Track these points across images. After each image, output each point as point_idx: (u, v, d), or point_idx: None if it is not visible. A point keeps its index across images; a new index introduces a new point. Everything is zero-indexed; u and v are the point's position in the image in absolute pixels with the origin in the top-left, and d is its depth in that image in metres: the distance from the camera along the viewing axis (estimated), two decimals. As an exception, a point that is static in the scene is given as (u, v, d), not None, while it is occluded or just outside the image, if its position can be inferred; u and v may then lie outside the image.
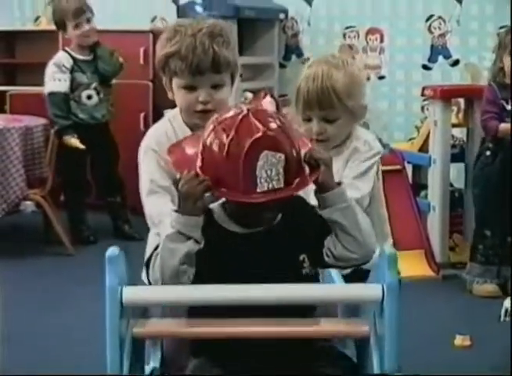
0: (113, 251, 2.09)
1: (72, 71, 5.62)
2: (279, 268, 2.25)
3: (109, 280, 2.03)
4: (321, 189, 2.18)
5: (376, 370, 2.10)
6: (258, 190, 2.07)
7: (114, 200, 5.98)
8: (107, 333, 2.03)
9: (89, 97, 5.64)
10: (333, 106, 2.78)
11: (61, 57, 5.60)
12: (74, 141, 5.43)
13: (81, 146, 5.49)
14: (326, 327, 2.26)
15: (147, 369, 2.36)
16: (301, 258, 2.26)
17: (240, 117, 2.10)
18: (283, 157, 2.07)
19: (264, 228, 2.25)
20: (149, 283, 2.31)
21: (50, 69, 5.58)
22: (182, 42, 2.59)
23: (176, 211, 2.18)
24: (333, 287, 2.38)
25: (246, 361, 2.18)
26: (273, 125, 2.12)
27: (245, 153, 2.06)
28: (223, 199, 2.22)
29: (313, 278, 2.34)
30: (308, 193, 2.31)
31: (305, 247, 2.26)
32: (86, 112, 5.66)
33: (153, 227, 2.68)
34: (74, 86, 5.63)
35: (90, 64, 5.66)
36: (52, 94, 5.55)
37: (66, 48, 5.65)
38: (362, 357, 2.28)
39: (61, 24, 5.62)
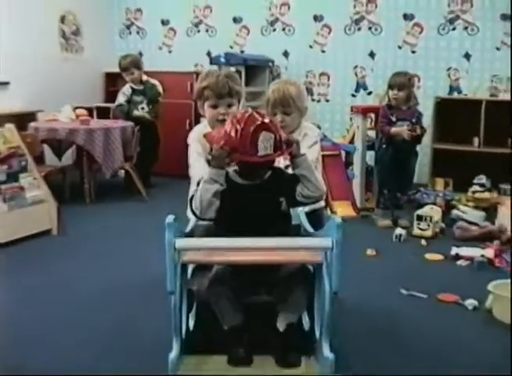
0: (169, 218, 2.39)
1: (131, 95, 7.06)
2: (267, 205, 2.67)
3: (167, 236, 2.36)
4: (293, 157, 2.65)
5: (327, 286, 2.45)
6: (259, 154, 2.52)
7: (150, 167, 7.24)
8: (167, 265, 2.40)
9: (142, 108, 7.08)
10: (289, 104, 3.30)
11: (124, 88, 7.10)
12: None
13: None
14: (295, 256, 2.62)
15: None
16: (280, 200, 2.69)
17: (247, 114, 2.57)
18: (273, 136, 2.53)
19: (258, 181, 2.67)
20: (193, 213, 2.67)
21: (119, 93, 7.16)
22: (210, 80, 3.19)
23: (210, 166, 2.63)
24: (304, 239, 2.73)
25: (244, 269, 2.64)
26: (266, 119, 2.59)
27: (251, 133, 2.50)
28: (235, 167, 2.67)
29: (287, 214, 2.76)
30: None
31: (283, 192, 2.69)
32: (141, 115, 7.06)
33: (192, 180, 3.06)
34: (133, 102, 7.08)
35: (142, 91, 7.08)
36: (118, 105, 7.11)
37: (130, 83, 7.10)
38: (317, 279, 2.65)
39: (122, 73, 7.09)
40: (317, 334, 2.66)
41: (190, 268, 2.76)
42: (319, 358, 2.61)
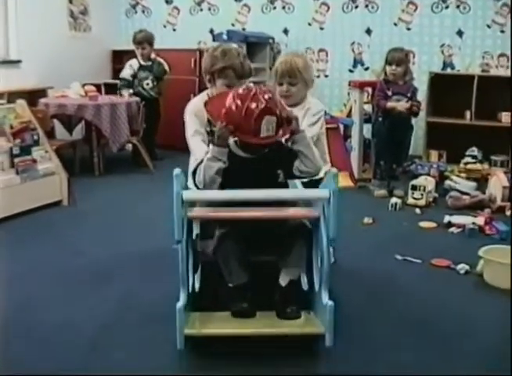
0: (176, 170, 2.44)
1: (138, 70, 6.95)
2: (266, 176, 2.69)
3: (175, 187, 2.40)
4: (292, 133, 2.67)
5: (324, 237, 2.52)
6: (261, 136, 2.55)
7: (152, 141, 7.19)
8: (175, 215, 2.43)
9: (147, 84, 6.99)
10: (296, 75, 3.31)
11: (132, 61, 7.00)
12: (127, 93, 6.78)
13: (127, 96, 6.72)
14: (294, 212, 2.74)
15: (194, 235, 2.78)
16: (278, 172, 2.72)
17: (251, 93, 2.56)
18: (275, 118, 2.55)
19: (258, 155, 2.69)
20: (195, 186, 2.69)
21: (126, 65, 7.04)
22: (233, 61, 3.16)
23: (213, 144, 2.64)
24: (303, 190, 2.84)
25: (248, 230, 2.65)
26: (268, 98, 2.56)
27: (256, 116, 2.52)
28: (235, 138, 2.67)
29: (284, 184, 2.78)
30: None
31: (281, 165, 2.72)
32: (145, 91, 7.00)
33: (192, 153, 3.15)
34: (139, 78, 6.97)
35: (149, 67, 7.01)
36: (121, 78, 6.99)
37: (138, 58, 7.00)
38: (315, 234, 2.69)
39: (134, 46, 7.00)
40: (316, 287, 2.68)
41: (195, 226, 2.80)
42: (318, 308, 2.64)
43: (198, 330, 2.57)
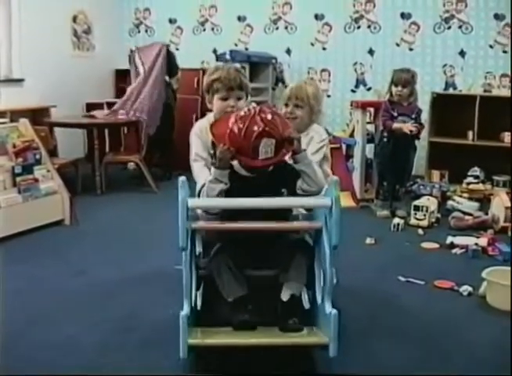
0: (182, 179, 2.49)
1: None
2: (270, 195, 2.65)
3: (180, 195, 2.43)
4: (294, 153, 2.69)
5: (327, 247, 2.51)
6: (259, 158, 2.58)
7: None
8: (179, 225, 2.44)
9: None
10: (303, 99, 3.31)
11: None
12: None
13: None
14: (296, 224, 2.80)
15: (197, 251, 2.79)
16: (282, 190, 2.74)
17: (250, 114, 2.59)
18: (273, 141, 2.57)
19: (262, 174, 2.70)
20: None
21: None
22: (221, 73, 3.13)
23: (215, 167, 2.67)
24: (305, 199, 2.74)
25: (248, 245, 2.67)
26: (268, 120, 2.57)
27: (253, 139, 2.55)
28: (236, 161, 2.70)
29: None
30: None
31: (285, 184, 2.74)
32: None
33: (194, 177, 3.13)
34: None
35: None
36: None
37: None
38: (317, 244, 2.70)
39: None
40: (318, 300, 2.66)
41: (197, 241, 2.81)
42: (321, 318, 2.62)
43: (201, 340, 2.56)
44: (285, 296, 2.67)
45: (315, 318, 2.74)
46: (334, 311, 2.47)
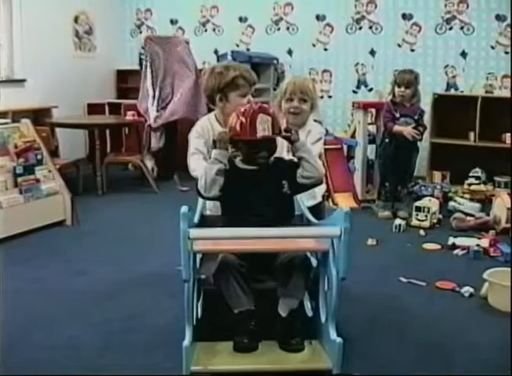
0: (184, 209, 2.40)
1: None
2: (270, 187, 2.74)
3: (182, 226, 2.37)
4: (293, 142, 2.75)
5: (334, 276, 2.47)
6: (258, 135, 2.67)
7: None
8: (181, 250, 2.40)
9: None
10: (307, 93, 3.38)
11: None
12: None
13: None
14: (303, 244, 2.65)
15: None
16: (283, 182, 2.76)
17: (251, 113, 2.69)
18: (269, 118, 2.66)
19: (262, 166, 2.76)
20: (198, 193, 2.72)
21: None
22: (239, 70, 3.18)
23: (215, 148, 2.77)
24: (313, 228, 2.77)
25: (250, 256, 2.65)
26: (265, 106, 2.73)
27: (250, 116, 2.66)
28: (240, 156, 2.78)
29: (289, 195, 2.81)
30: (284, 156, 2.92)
31: (285, 176, 2.76)
32: None
33: (191, 171, 3.15)
34: None
35: None
36: None
37: None
38: (323, 266, 2.69)
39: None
40: (322, 319, 2.64)
41: (197, 259, 2.75)
42: (325, 342, 2.61)
43: (204, 367, 2.53)
44: (283, 312, 2.64)
45: (317, 330, 2.73)
46: (339, 340, 2.46)
